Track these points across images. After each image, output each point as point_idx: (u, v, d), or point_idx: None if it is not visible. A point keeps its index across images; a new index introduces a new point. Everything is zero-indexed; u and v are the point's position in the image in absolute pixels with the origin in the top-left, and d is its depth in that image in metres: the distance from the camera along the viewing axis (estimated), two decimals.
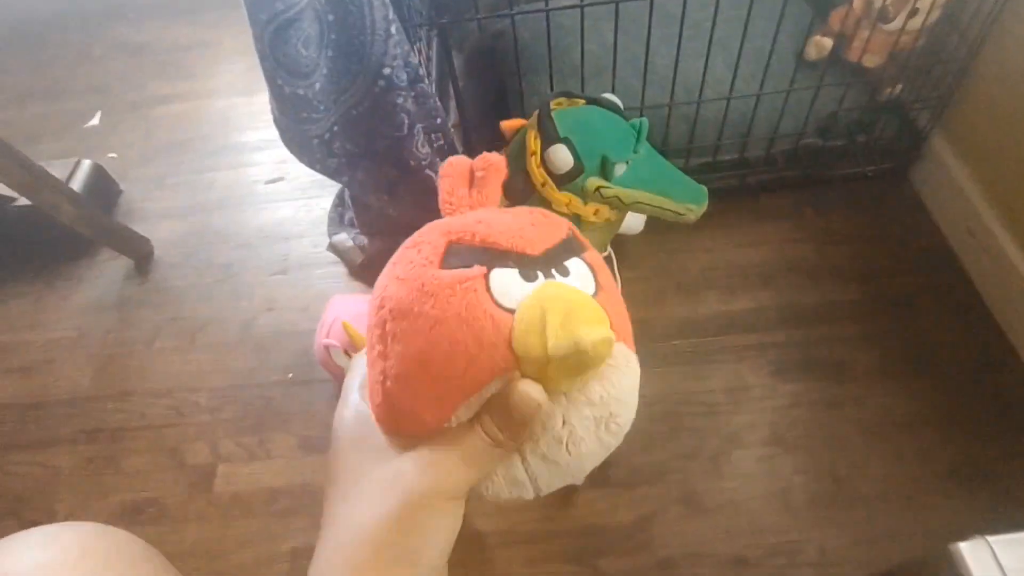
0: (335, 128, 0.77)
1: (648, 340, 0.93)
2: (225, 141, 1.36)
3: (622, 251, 1.01)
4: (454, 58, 1.30)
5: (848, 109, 0.94)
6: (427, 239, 0.29)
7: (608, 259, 0.95)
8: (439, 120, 0.84)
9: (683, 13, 0.80)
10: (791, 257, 1.00)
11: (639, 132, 0.71)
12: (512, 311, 0.26)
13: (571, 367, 0.25)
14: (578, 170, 0.69)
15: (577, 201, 0.71)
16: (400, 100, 0.74)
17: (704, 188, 0.72)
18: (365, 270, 1.06)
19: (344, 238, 1.05)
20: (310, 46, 0.67)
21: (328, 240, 1.09)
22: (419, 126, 0.79)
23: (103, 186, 1.24)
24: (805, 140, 0.97)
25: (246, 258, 1.14)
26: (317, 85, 0.71)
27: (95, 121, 1.45)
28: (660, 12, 0.80)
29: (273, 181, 1.26)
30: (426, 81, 0.81)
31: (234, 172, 1.29)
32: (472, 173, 0.34)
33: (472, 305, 0.26)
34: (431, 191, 0.85)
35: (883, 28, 0.87)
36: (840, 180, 1.04)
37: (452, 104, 1.14)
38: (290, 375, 0.97)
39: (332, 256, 1.10)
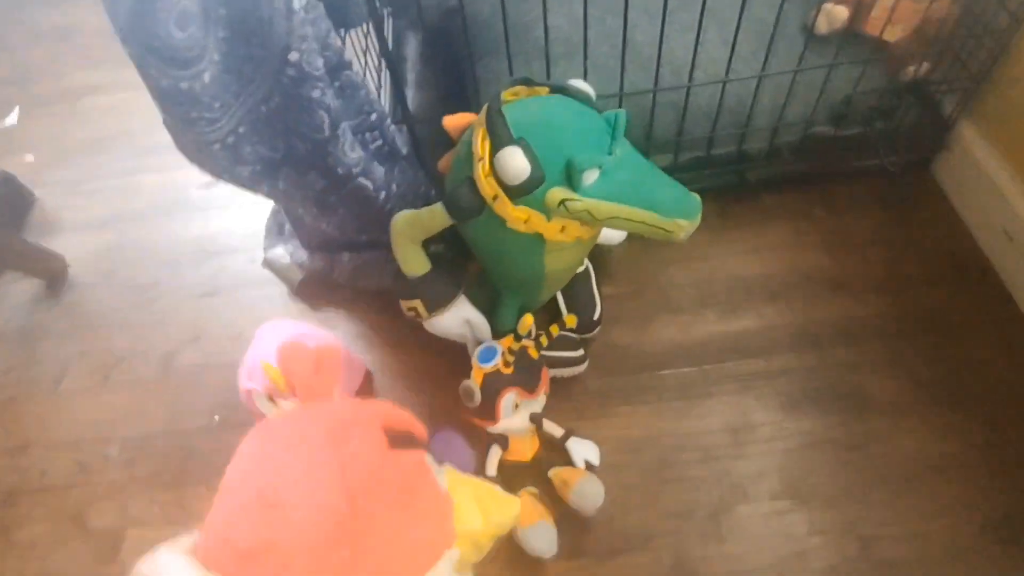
0: (241, 130, 0.62)
1: (634, 370, 0.79)
2: (157, 138, 1.17)
3: (601, 263, 0.86)
4: (411, 42, 1.15)
5: (865, 92, 0.79)
6: None
7: (585, 274, 0.81)
8: (374, 117, 0.69)
9: None
10: (800, 266, 0.86)
11: (615, 128, 0.57)
12: None
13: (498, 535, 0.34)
14: (536, 179, 0.54)
15: (538, 217, 0.57)
16: (316, 93, 0.59)
17: (698, 199, 0.57)
18: (307, 290, 0.92)
19: (281, 253, 0.90)
20: (189, 25, 0.52)
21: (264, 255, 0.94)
22: (345, 124, 0.64)
23: (11, 197, 1.08)
24: (814, 129, 0.83)
25: (172, 276, 0.99)
26: (207, 76, 0.55)
27: (12, 120, 1.28)
28: None
29: (208, 185, 1.10)
30: (355, 68, 0.65)
31: (164, 175, 1.13)
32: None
33: None
34: (367, 201, 0.71)
35: None
36: (854, 175, 0.90)
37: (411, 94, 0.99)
38: (216, 417, 0.83)
39: (271, 274, 0.95)
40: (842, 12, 0.77)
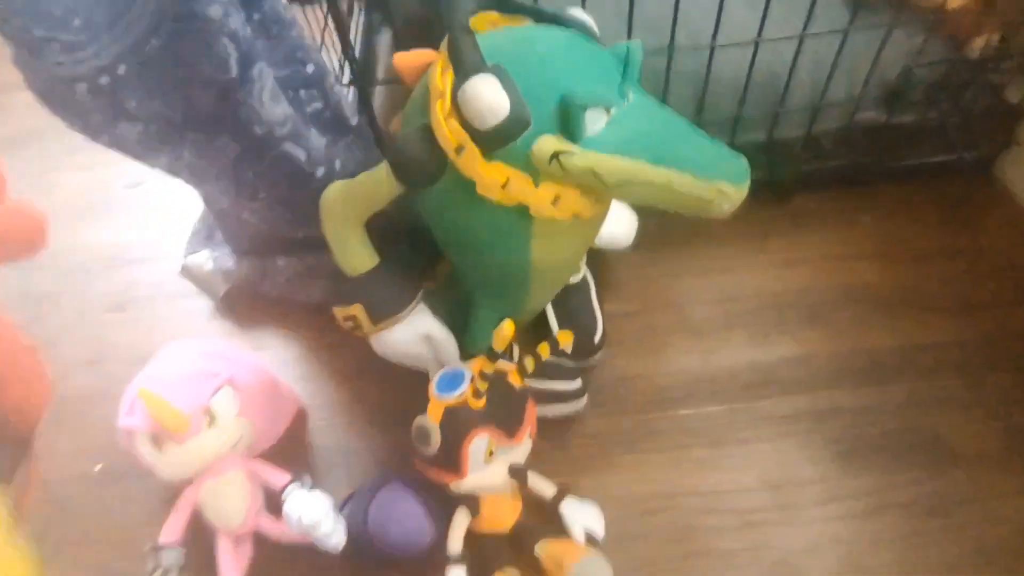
0: (121, 71, 0.46)
1: (645, 408, 0.62)
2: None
3: (603, 273, 0.70)
4: (384, 37, 1.02)
5: (927, 65, 0.65)
6: None
7: (583, 285, 0.64)
8: (311, 70, 0.53)
9: None
10: (845, 281, 0.70)
11: (627, 65, 0.41)
12: None
13: None
14: (519, 120, 0.38)
15: (522, 180, 0.40)
16: (216, 11, 0.43)
17: (743, 157, 0.41)
18: (234, 304, 0.74)
19: (203, 259, 0.73)
20: None
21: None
22: (264, 66, 0.48)
23: None
24: (861, 115, 0.68)
25: (77, 287, 0.81)
26: None
27: None
28: None
29: (135, 185, 0.93)
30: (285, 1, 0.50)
31: (87, 173, 0.96)
32: None
33: None
34: (299, 179, 0.54)
35: None
36: (903, 174, 0.75)
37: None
38: (99, 466, 0.64)
39: (194, 285, 0.77)
40: None
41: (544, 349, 0.51)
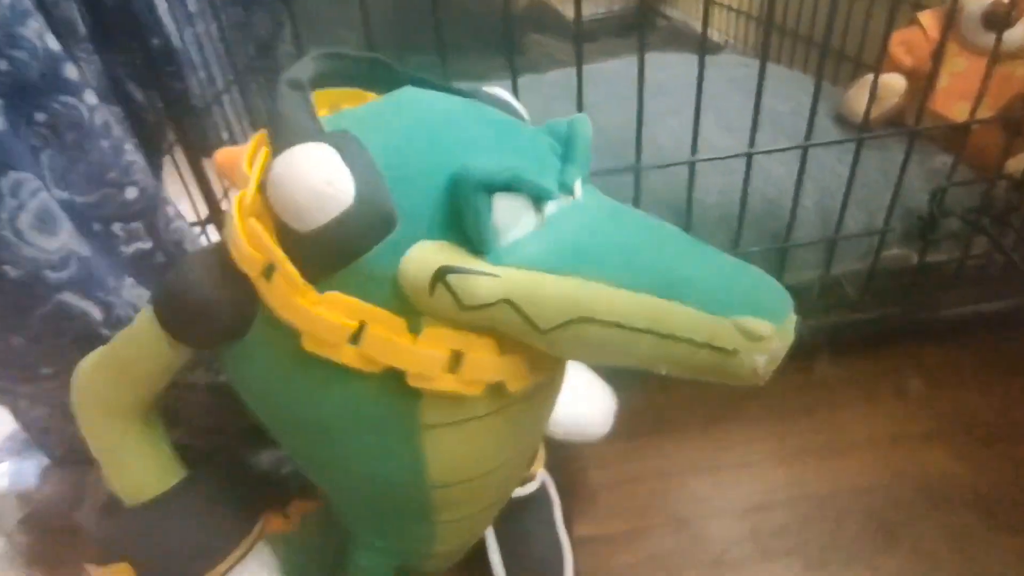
0: None
1: None
2: None
3: (571, 478, 0.49)
4: None
5: (961, 184, 0.52)
6: None
7: (539, 499, 0.43)
8: (133, 195, 0.37)
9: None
10: (919, 473, 0.49)
11: (569, 145, 0.25)
12: None
13: None
14: (374, 216, 0.20)
15: (388, 324, 0.21)
16: None
17: (780, 286, 0.24)
18: (33, 539, 0.50)
19: None
20: None
21: None
22: (24, 180, 0.32)
23: None
24: (888, 252, 0.53)
25: None
26: None
27: None
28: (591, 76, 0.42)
29: None
30: (91, 101, 0.36)
31: None
32: None
33: None
34: (81, 342, 0.35)
35: (993, 47, 0.49)
36: (950, 328, 0.59)
37: None
38: None
39: None
40: (898, 82, 0.53)
41: None
